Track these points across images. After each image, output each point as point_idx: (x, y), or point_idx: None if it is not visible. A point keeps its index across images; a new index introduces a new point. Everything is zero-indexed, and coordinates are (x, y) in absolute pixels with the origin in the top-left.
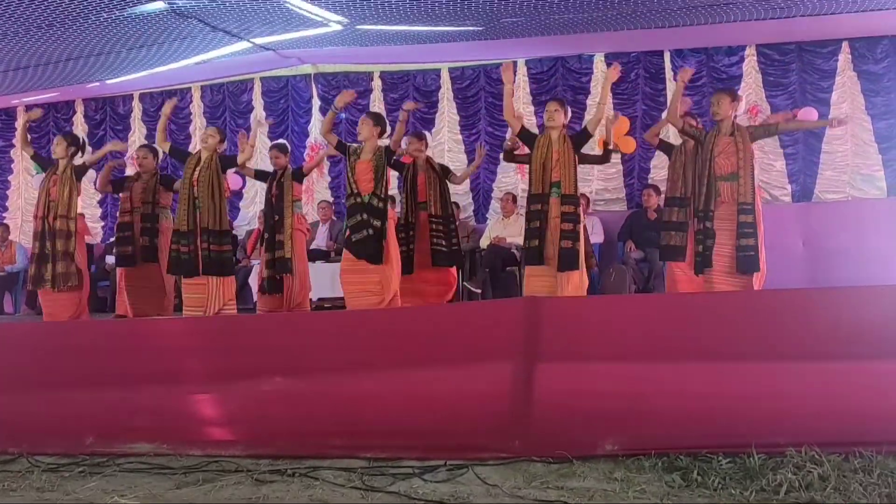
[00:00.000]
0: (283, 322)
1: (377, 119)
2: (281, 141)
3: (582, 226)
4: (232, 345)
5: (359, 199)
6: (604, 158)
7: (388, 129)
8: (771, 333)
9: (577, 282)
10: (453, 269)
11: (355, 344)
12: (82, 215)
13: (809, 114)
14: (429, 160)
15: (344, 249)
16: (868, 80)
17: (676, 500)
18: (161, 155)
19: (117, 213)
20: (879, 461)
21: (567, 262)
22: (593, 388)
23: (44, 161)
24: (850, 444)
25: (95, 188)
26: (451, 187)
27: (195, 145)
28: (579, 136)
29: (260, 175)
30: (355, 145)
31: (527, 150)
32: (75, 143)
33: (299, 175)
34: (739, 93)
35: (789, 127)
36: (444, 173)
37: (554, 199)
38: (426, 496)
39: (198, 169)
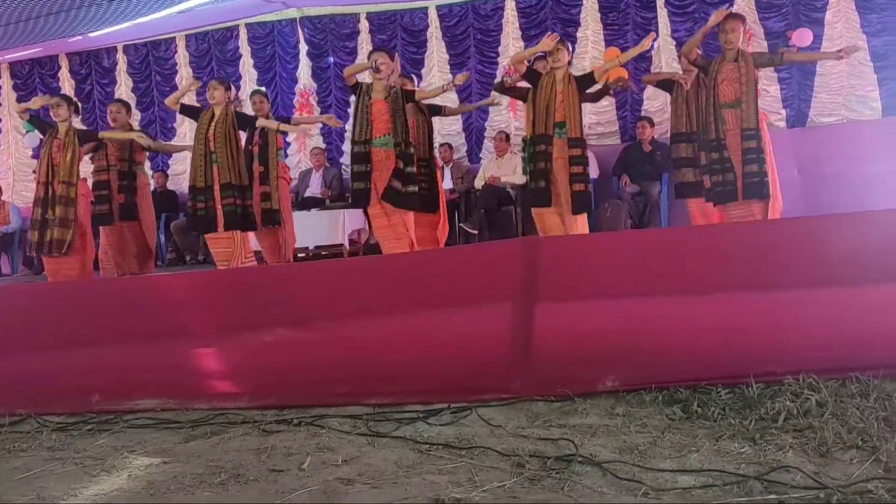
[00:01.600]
0: (283, 272)
1: (392, 55)
2: (261, 88)
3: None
4: (233, 297)
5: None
6: (599, 96)
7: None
8: (766, 263)
9: (584, 222)
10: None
11: (354, 291)
12: (84, 179)
13: (804, 35)
14: (417, 103)
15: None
16: None
17: (678, 433)
18: (132, 110)
19: (91, 172)
20: (876, 385)
21: (580, 204)
22: (592, 325)
23: (41, 123)
24: (847, 370)
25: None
26: (444, 128)
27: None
28: (584, 80)
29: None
30: (367, 83)
31: (521, 85)
32: (73, 105)
33: (284, 123)
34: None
35: (794, 58)
36: (433, 111)
37: (558, 140)
38: (431, 439)
39: (212, 124)
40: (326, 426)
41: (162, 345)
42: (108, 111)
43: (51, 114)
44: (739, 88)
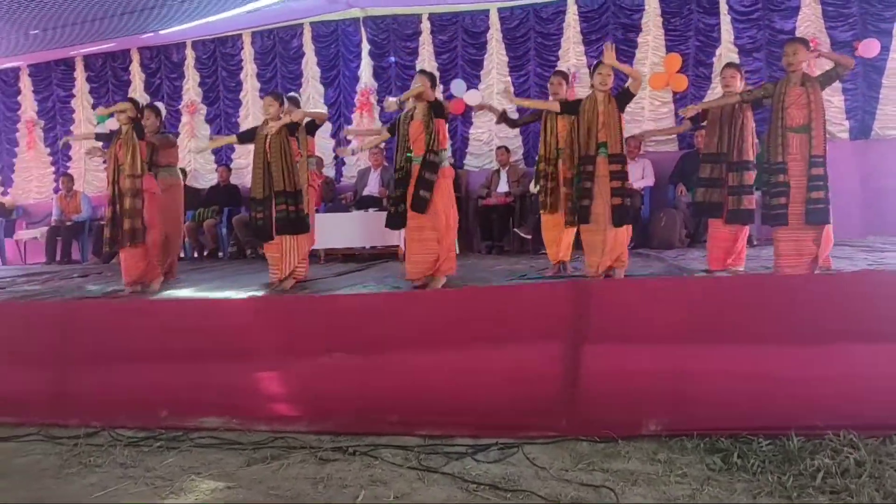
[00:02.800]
0: (343, 302)
1: (431, 77)
2: (292, 94)
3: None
4: (292, 323)
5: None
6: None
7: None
8: (812, 316)
9: (625, 234)
10: None
11: (409, 323)
12: (151, 174)
13: (871, 46)
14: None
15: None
16: None
17: (717, 486)
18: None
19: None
20: None
21: (620, 217)
22: (638, 369)
23: (106, 136)
24: (887, 428)
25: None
26: (501, 130)
27: (246, 92)
28: (622, 97)
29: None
30: (405, 112)
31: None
32: (137, 108)
33: (313, 128)
34: (797, 25)
35: (846, 64)
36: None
37: (601, 159)
38: (479, 478)
39: (268, 138)
40: (379, 457)
41: (226, 366)
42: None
43: (115, 118)
44: (808, 115)
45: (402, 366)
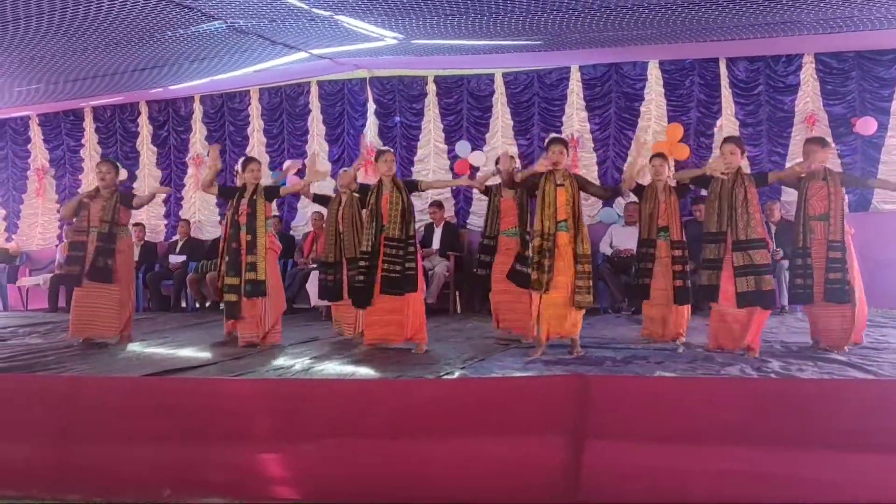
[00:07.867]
0: (340, 387)
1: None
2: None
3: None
4: (294, 407)
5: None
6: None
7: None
8: (819, 422)
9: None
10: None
11: (409, 409)
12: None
13: (869, 123)
14: (393, 179)
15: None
16: None
17: None
18: (123, 172)
19: (69, 232)
20: None
21: (681, 297)
22: (641, 466)
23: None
24: None
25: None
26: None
27: (252, 147)
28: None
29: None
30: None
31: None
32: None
33: (272, 194)
34: (797, 101)
35: (876, 185)
36: (410, 188)
37: (662, 242)
38: None
39: (343, 205)
40: None
41: (228, 446)
42: (97, 170)
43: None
44: (828, 204)
45: (399, 452)
